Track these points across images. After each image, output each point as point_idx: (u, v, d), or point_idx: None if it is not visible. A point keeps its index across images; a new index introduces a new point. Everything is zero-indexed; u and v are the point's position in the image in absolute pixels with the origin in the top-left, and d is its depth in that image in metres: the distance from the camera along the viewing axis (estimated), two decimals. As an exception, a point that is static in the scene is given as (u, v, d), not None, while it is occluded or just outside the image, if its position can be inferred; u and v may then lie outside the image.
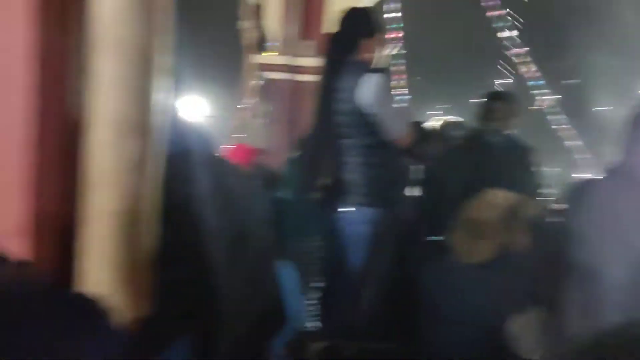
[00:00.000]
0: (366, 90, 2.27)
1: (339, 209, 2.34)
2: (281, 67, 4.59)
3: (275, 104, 4.46)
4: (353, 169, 2.32)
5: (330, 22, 3.56)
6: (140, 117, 0.99)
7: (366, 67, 2.32)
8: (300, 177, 2.59)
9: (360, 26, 2.40)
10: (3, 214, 0.88)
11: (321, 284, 2.45)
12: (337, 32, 2.42)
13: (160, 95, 1.02)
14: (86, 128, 0.97)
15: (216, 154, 1.60)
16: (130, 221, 0.97)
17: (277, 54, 4.61)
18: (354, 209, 2.31)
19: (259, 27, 4.51)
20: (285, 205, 2.80)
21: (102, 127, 0.97)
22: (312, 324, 2.34)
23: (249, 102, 4.61)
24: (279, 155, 4.03)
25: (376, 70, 2.31)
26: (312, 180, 2.46)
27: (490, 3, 13.26)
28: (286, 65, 4.57)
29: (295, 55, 4.52)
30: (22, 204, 0.90)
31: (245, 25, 4.54)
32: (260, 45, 4.52)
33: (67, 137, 0.96)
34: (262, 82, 4.58)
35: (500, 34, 13.72)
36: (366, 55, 2.37)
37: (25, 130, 0.90)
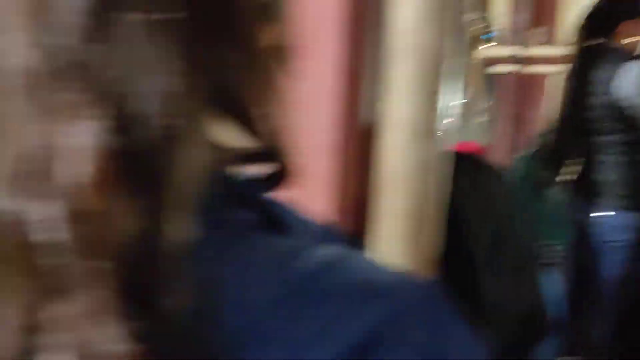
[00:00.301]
0: (627, 81, 2.05)
1: (591, 213, 2.16)
2: (508, 59, 4.37)
3: (501, 99, 4.27)
4: (610, 169, 2.13)
5: (570, 5, 3.27)
6: (429, 121, 1.02)
7: (627, 54, 2.10)
8: (540, 177, 2.45)
9: (619, 6, 2.17)
10: (314, 209, 0.98)
11: (567, 294, 2.29)
12: (589, 15, 2.22)
13: (447, 98, 1.04)
14: (380, 132, 1.03)
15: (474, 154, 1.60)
16: (417, 222, 1.01)
17: (504, 45, 4.39)
18: (610, 213, 2.11)
19: (485, 18, 4.36)
20: (519, 206, 2.67)
21: (394, 131, 1.02)
22: (559, 337, 2.20)
23: (473, 97, 4.50)
24: (504, 153, 3.86)
25: (639, 57, 2.08)
26: (553, 179, 2.32)
27: None
28: (514, 56, 4.34)
29: (525, 45, 4.26)
30: (328, 202, 0.99)
31: (470, 17, 4.43)
32: (485, 37, 4.37)
33: (364, 140, 1.03)
34: (487, 76, 4.42)
35: None
36: (626, 40, 2.14)
37: (331, 135, 0.99)
